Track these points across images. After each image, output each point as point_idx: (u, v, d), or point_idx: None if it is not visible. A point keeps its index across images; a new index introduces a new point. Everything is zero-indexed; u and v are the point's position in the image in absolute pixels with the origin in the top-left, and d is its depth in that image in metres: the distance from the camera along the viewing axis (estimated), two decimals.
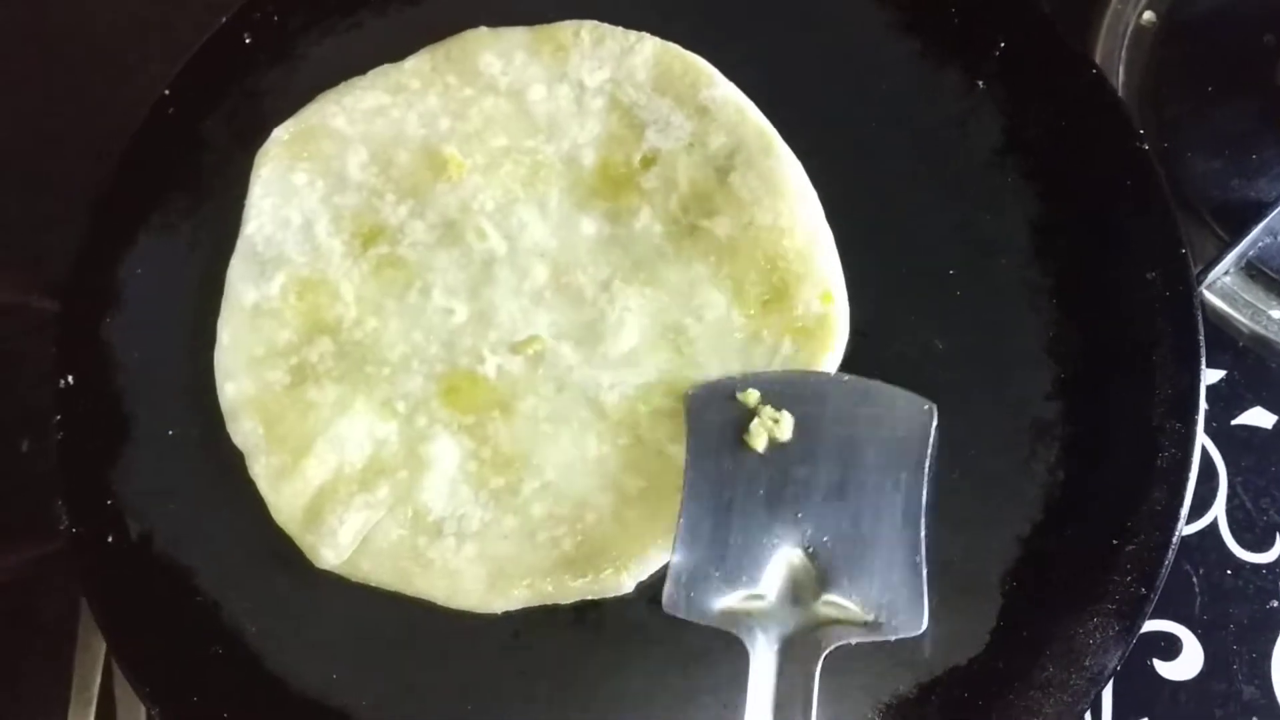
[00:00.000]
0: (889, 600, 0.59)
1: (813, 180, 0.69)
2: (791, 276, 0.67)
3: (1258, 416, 0.76)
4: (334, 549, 0.65)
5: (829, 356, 0.66)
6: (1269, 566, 0.73)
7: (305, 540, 0.66)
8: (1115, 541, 0.63)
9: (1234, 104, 0.77)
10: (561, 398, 0.66)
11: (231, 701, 0.65)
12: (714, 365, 0.66)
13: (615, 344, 0.67)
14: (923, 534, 0.60)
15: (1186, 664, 0.72)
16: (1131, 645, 0.62)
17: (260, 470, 0.67)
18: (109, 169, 0.73)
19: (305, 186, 0.71)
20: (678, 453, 0.65)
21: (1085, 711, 0.63)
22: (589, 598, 0.64)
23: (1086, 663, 0.62)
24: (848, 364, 0.67)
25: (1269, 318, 0.75)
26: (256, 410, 0.68)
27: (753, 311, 0.67)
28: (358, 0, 0.75)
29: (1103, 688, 0.62)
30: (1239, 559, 0.74)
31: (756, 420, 0.63)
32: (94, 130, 0.88)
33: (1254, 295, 0.75)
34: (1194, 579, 0.74)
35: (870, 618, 0.59)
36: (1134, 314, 0.66)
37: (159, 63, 0.89)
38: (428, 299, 0.69)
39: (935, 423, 0.62)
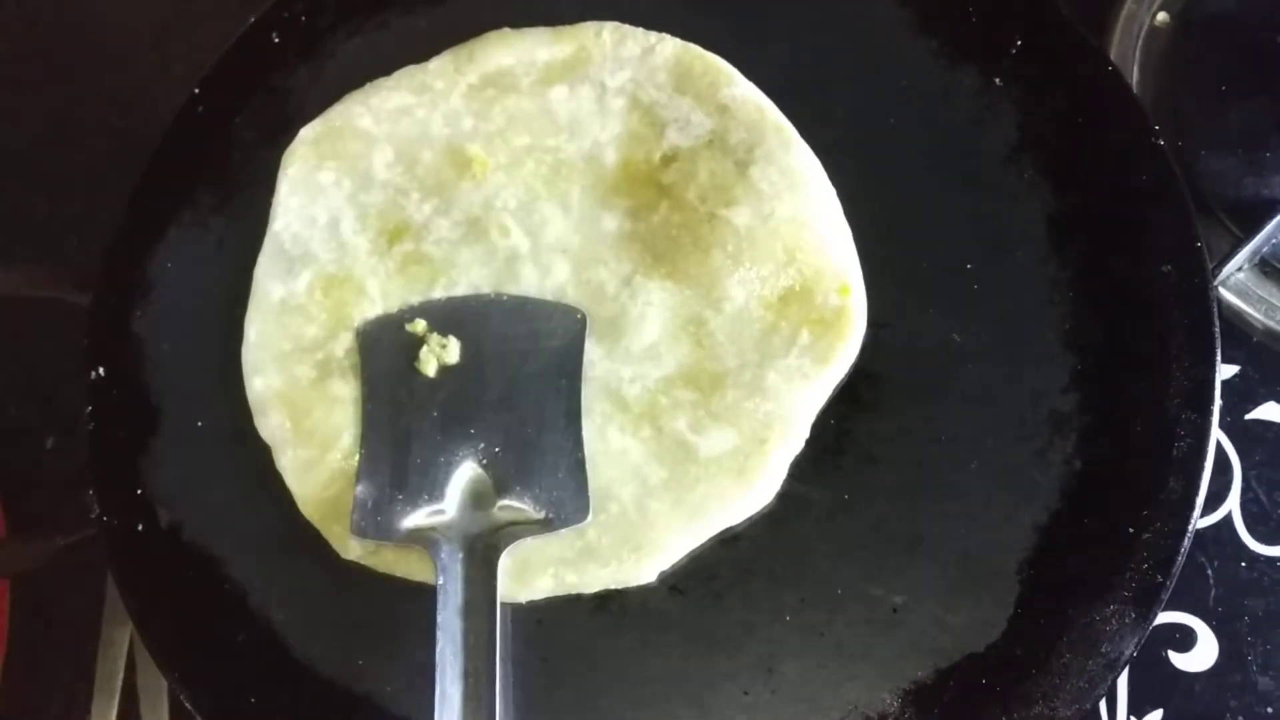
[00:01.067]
0: (556, 496, 0.64)
1: (831, 176, 0.70)
2: (809, 269, 0.68)
3: (1271, 411, 0.76)
4: (359, 540, 0.66)
5: (846, 348, 0.67)
6: None
7: (332, 531, 0.66)
8: (1131, 530, 0.63)
9: (1247, 103, 0.78)
10: (584, 392, 0.67)
11: (259, 686, 0.66)
12: (732, 356, 0.67)
13: (637, 338, 0.68)
14: (582, 433, 0.65)
15: (1201, 655, 0.73)
16: (1148, 632, 0.62)
17: (287, 463, 0.68)
18: (140, 166, 0.74)
19: (331, 185, 0.72)
20: (699, 443, 0.66)
21: (1101, 698, 0.64)
22: (612, 587, 0.65)
23: (1103, 649, 0.62)
24: (866, 355, 0.67)
25: None
26: (284, 404, 0.69)
27: (771, 303, 0.68)
28: (384, 0, 0.76)
29: (1119, 674, 0.62)
30: (1253, 552, 0.74)
31: (425, 347, 0.68)
32: (120, 131, 0.90)
33: (1267, 291, 0.76)
34: (1208, 571, 0.74)
35: (542, 515, 0.64)
36: (1150, 307, 0.66)
37: (183, 65, 0.91)
38: (452, 295, 0.70)
39: (587, 330, 0.67)
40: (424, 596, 0.65)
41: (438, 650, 0.60)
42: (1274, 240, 0.75)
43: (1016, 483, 0.65)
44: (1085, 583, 0.63)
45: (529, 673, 0.65)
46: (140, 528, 0.68)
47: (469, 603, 0.61)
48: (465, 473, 0.65)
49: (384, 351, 0.68)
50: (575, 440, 0.65)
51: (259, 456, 0.69)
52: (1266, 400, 0.77)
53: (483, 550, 0.63)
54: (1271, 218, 0.73)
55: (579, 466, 0.65)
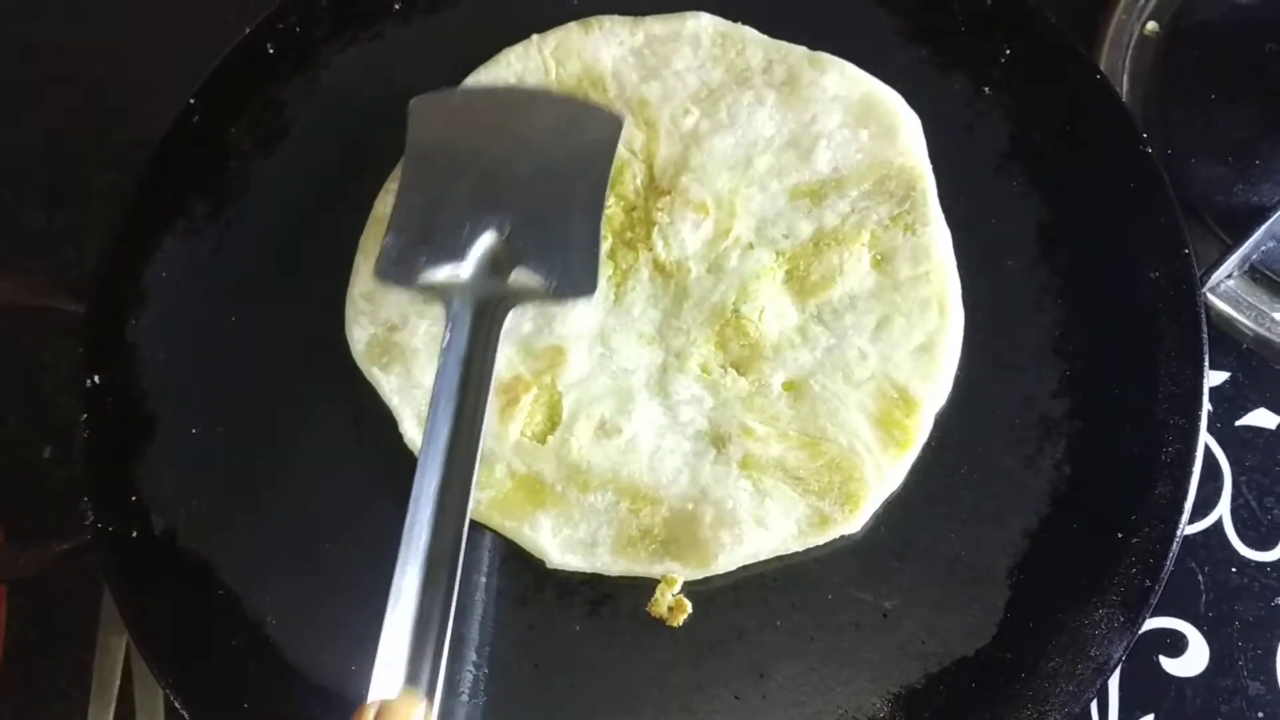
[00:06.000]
0: (566, 270, 0.67)
1: None
2: None
3: (1261, 417, 0.77)
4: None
5: None
6: (1273, 565, 0.74)
7: None
8: (1120, 534, 0.64)
9: (1237, 111, 0.78)
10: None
11: (252, 691, 0.66)
12: None
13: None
14: (602, 223, 0.68)
15: (1192, 660, 0.73)
16: (1136, 636, 0.62)
17: None
18: (135, 176, 0.74)
19: None
20: None
21: (1091, 701, 0.64)
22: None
23: (1092, 653, 0.62)
24: None
25: (1272, 320, 0.76)
26: None
27: None
28: (379, 11, 0.76)
29: (1108, 678, 0.62)
30: (1244, 557, 0.75)
31: None
32: (117, 142, 0.91)
33: (1257, 298, 0.76)
34: (1199, 577, 0.74)
35: (552, 285, 0.67)
36: (1138, 313, 0.67)
37: (178, 76, 0.90)
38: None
39: (623, 130, 0.70)
40: None
41: (434, 391, 0.64)
42: (1263, 247, 0.75)
43: (1006, 487, 0.65)
44: (1074, 587, 0.63)
45: (520, 677, 0.65)
46: (134, 534, 0.68)
47: (471, 354, 0.65)
48: (487, 240, 0.68)
49: (430, 123, 0.71)
50: (594, 226, 0.68)
51: (252, 462, 0.69)
52: (1257, 406, 0.77)
53: (491, 310, 0.66)
54: (1260, 224, 0.73)
55: (593, 250, 0.68)
